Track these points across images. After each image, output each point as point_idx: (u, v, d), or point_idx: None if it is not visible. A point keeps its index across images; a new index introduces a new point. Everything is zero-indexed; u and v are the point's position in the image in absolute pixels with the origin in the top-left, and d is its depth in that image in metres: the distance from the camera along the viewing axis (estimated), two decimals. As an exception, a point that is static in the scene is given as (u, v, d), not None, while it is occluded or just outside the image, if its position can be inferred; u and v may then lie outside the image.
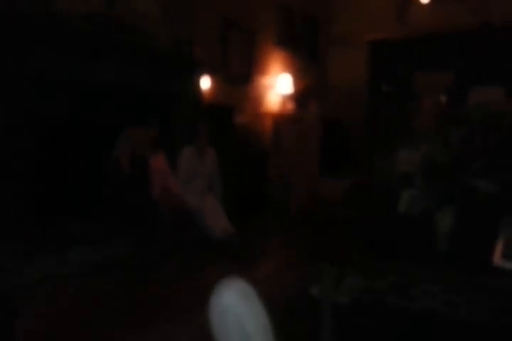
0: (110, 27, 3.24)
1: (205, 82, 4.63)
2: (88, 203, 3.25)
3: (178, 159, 3.67)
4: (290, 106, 5.92)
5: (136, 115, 3.58)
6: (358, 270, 1.78)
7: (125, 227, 2.99)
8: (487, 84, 4.86)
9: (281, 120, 5.69)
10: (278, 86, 5.79)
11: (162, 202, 3.27)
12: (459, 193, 1.74)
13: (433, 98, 5.67)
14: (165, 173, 3.39)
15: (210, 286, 1.00)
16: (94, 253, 3.01)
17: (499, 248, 1.57)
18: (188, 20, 4.06)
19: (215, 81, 4.78)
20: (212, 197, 3.72)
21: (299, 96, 5.90)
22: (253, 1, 5.33)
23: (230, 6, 4.96)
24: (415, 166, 1.98)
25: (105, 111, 3.45)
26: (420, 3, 6.07)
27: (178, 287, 2.79)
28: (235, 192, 4.34)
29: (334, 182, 5.30)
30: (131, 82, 3.53)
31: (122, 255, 3.03)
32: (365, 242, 1.78)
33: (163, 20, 3.76)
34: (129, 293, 2.67)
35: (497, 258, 1.51)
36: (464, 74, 5.81)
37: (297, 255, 3.56)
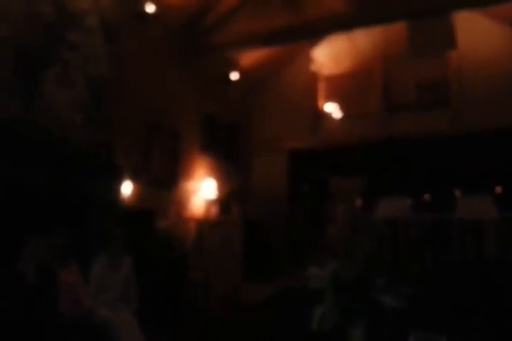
0: (25, 130, 3.21)
1: (128, 186, 4.61)
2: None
3: (91, 269, 3.47)
4: (214, 210, 5.98)
5: (45, 219, 3.40)
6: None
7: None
8: (396, 191, 5.25)
9: (204, 224, 5.69)
10: (202, 191, 5.89)
11: (71, 316, 3.01)
12: (367, 308, 1.78)
13: (347, 203, 6.03)
14: (76, 285, 3.17)
15: None
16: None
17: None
18: (110, 124, 4.11)
19: (137, 185, 4.78)
20: (125, 309, 3.49)
21: (223, 201, 6.02)
22: (177, 107, 5.63)
23: (153, 111, 5.18)
24: (324, 282, 2.02)
25: (13, 214, 3.26)
26: (332, 118, 6.71)
27: None
28: (154, 298, 4.12)
29: (257, 287, 5.23)
30: (43, 184, 3.40)
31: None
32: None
33: (83, 125, 3.78)
34: None
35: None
36: (375, 181, 6.29)
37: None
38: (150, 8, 4.84)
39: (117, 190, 4.25)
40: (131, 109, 4.70)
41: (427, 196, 6.32)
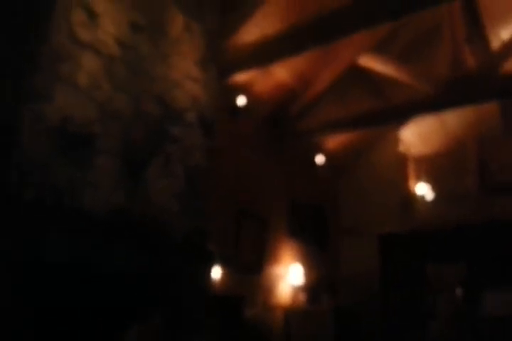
0: (129, 219, 3.40)
1: (216, 272, 4.61)
2: None
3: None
4: (302, 297, 5.75)
5: (145, 304, 3.45)
6: None
7: None
8: (502, 281, 4.78)
9: (292, 312, 5.45)
10: (289, 276, 5.74)
11: None
12: None
13: (447, 293, 5.53)
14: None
15: None
16: None
17: None
18: (204, 211, 4.28)
19: (226, 270, 4.77)
20: None
21: (311, 288, 5.79)
22: (265, 192, 5.71)
23: (243, 197, 5.30)
24: None
25: (109, 299, 3.33)
26: (425, 200, 6.44)
27: None
28: None
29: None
30: (139, 270, 3.50)
31: None
32: None
33: (181, 213, 3.96)
34: None
35: None
36: (476, 268, 5.79)
37: None
38: (241, 101, 5.17)
39: (209, 276, 4.26)
40: (223, 196, 4.84)
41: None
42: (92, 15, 3.19)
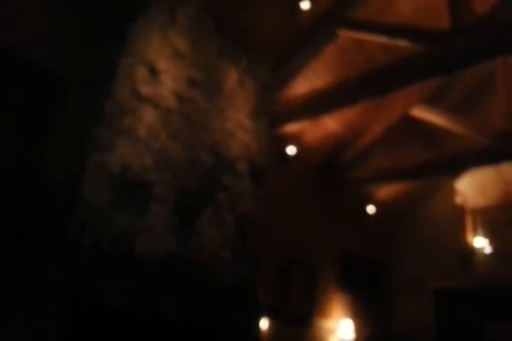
0: (181, 266, 3.45)
1: (264, 323, 4.51)
2: None
3: None
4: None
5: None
6: None
7: None
8: None
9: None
10: (339, 331, 5.52)
11: None
12: None
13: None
14: None
15: None
16: None
17: None
18: (254, 261, 4.27)
19: (274, 322, 4.66)
20: None
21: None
22: (314, 242, 5.64)
23: (292, 246, 5.25)
24: None
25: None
26: (483, 254, 6.13)
27: None
28: None
29: None
30: (192, 319, 3.50)
31: None
32: None
33: (231, 261, 3.98)
34: None
35: None
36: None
37: None
38: (291, 151, 5.26)
39: (257, 328, 4.18)
40: (272, 245, 4.83)
41: None
42: (153, 72, 3.45)
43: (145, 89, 3.37)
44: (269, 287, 4.70)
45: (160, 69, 3.49)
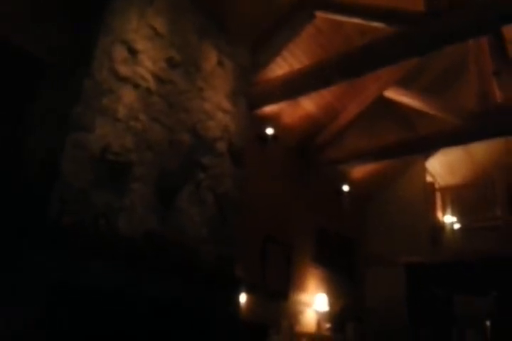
0: (162, 244, 3.53)
1: (243, 298, 4.66)
2: None
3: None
4: (326, 326, 5.72)
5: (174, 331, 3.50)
6: None
7: None
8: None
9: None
10: (315, 304, 5.73)
11: None
12: None
13: (476, 325, 5.41)
14: None
15: None
16: None
17: None
18: (233, 239, 4.38)
19: (252, 296, 4.82)
20: None
21: (336, 317, 5.76)
22: (291, 220, 5.80)
23: (269, 224, 5.40)
24: None
25: (143, 323, 3.41)
26: (452, 231, 6.40)
27: None
28: None
29: None
30: (172, 297, 3.59)
31: None
32: None
33: (210, 239, 4.08)
34: None
35: None
36: (505, 300, 5.67)
37: None
38: (270, 131, 5.35)
39: (237, 303, 4.31)
40: (250, 223, 4.95)
41: None
42: (132, 51, 3.44)
43: (123, 69, 3.37)
44: (247, 263, 4.85)
45: (139, 49, 3.49)
